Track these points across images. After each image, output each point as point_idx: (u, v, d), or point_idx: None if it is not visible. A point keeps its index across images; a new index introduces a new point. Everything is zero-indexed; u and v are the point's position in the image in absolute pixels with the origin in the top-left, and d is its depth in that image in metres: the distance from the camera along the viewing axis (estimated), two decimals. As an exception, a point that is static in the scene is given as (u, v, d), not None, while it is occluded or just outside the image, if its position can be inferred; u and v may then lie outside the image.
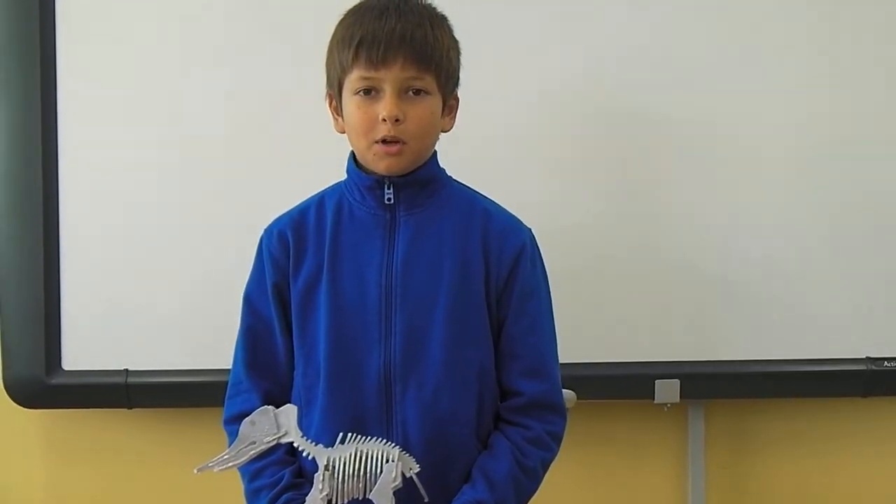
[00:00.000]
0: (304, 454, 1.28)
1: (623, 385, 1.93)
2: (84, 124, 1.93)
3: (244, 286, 1.46)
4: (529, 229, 1.46)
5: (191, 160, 1.93)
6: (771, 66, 1.91)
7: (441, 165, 1.45)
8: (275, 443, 1.28)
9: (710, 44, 1.91)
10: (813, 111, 1.92)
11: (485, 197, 1.47)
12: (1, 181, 1.92)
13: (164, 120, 1.92)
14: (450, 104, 1.42)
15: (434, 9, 1.40)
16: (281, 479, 1.37)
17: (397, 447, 1.27)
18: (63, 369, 1.94)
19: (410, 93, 1.35)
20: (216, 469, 1.28)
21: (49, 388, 1.93)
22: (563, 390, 1.47)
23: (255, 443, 1.28)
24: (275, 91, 1.90)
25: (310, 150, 1.81)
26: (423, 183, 1.41)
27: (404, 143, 1.35)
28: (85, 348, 1.94)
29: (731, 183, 1.92)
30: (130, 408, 1.95)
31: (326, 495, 1.25)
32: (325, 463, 1.26)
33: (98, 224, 1.93)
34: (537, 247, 1.45)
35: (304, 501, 1.28)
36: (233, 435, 1.36)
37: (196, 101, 1.92)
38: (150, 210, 1.93)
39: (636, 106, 1.92)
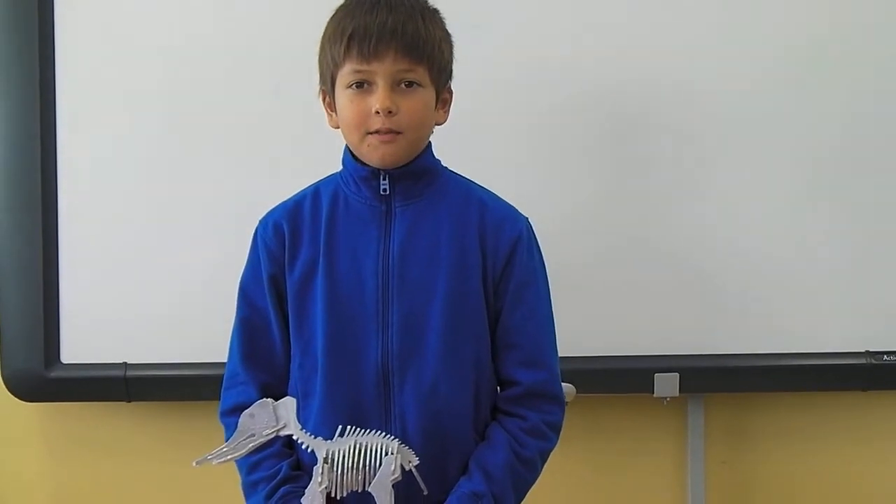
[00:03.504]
0: (304, 446, 1.28)
1: (622, 379, 1.93)
2: (82, 119, 1.93)
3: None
4: (526, 218, 1.45)
5: (188, 154, 1.93)
6: (770, 61, 1.91)
7: (436, 157, 1.44)
8: (274, 435, 1.28)
9: (709, 40, 1.91)
10: (813, 107, 1.92)
11: (480, 186, 1.46)
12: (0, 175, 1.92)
13: (162, 114, 1.93)
14: (443, 97, 1.42)
15: (426, 2, 1.40)
16: (279, 471, 1.37)
17: (396, 440, 1.27)
18: (62, 363, 1.94)
19: (403, 85, 1.35)
20: (215, 462, 1.28)
21: (48, 381, 1.93)
22: (563, 384, 1.46)
23: (254, 435, 1.28)
24: (273, 88, 1.90)
25: (307, 146, 1.81)
26: (419, 174, 1.40)
27: (398, 133, 1.34)
28: (84, 342, 1.94)
29: (732, 177, 1.92)
30: (129, 401, 1.96)
31: (326, 488, 1.25)
32: (325, 455, 1.26)
33: (97, 218, 1.94)
34: (534, 236, 1.45)
35: (302, 493, 1.28)
36: (229, 427, 1.37)
37: (194, 94, 1.92)
38: (149, 203, 1.93)
39: (637, 100, 1.91)
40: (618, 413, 2.05)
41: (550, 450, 1.42)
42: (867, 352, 1.93)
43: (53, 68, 1.92)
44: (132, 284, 1.93)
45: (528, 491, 1.41)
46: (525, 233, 1.43)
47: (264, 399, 1.30)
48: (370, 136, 1.35)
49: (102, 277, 1.93)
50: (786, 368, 1.93)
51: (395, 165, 1.38)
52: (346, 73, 1.35)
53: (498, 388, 1.44)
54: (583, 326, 1.88)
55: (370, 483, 1.25)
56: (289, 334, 1.42)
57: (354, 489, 1.26)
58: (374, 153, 1.36)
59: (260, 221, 1.46)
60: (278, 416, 1.28)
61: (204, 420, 1.81)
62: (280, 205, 1.46)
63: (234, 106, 1.92)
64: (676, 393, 1.93)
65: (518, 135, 1.91)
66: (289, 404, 1.29)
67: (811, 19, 1.91)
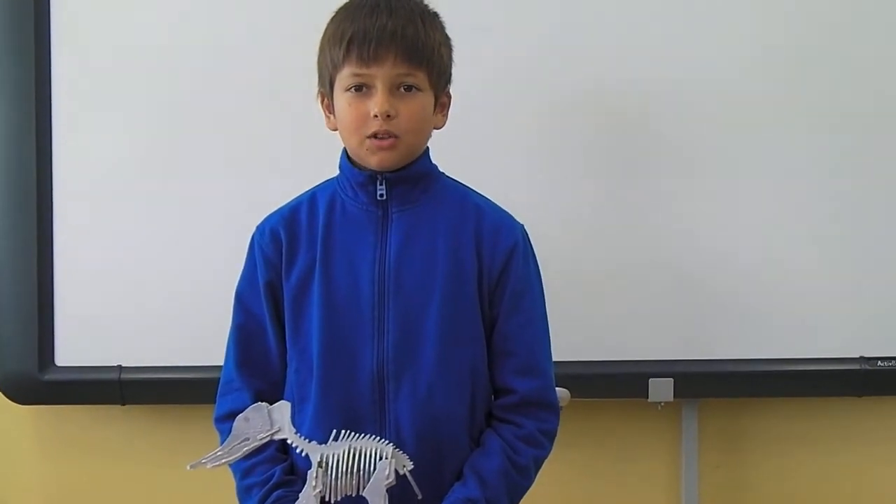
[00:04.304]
0: (298, 451, 1.28)
1: (617, 383, 1.93)
2: (78, 119, 1.93)
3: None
4: (522, 225, 1.45)
5: (184, 158, 1.93)
6: (766, 65, 1.91)
7: (433, 162, 1.44)
8: (268, 439, 1.28)
9: (707, 43, 1.91)
10: (812, 111, 1.92)
11: (477, 193, 1.47)
12: (-5, 177, 1.92)
13: (157, 117, 1.92)
14: (442, 101, 1.43)
15: (425, 6, 1.40)
16: (272, 476, 1.37)
17: (391, 444, 1.27)
18: (56, 365, 1.93)
19: (402, 89, 1.35)
20: (209, 466, 1.28)
21: (42, 384, 1.93)
22: (557, 388, 1.46)
23: (248, 439, 1.28)
24: (270, 89, 1.90)
25: (304, 149, 1.81)
26: (416, 179, 1.41)
27: (397, 138, 1.35)
28: (78, 344, 1.93)
29: (727, 182, 1.92)
30: (124, 404, 1.95)
31: (320, 492, 1.25)
32: (319, 460, 1.26)
33: (91, 220, 1.93)
34: (530, 243, 1.45)
35: (296, 498, 1.28)
36: (224, 433, 1.36)
37: (191, 95, 1.92)
38: (144, 206, 1.93)
39: (633, 105, 1.91)
40: (612, 418, 2.04)
41: (545, 457, 1.42)
42: (862, 357, 1.93)
43: (49, 68, 1.91)
44: (127, 287, 1.92)
45: (521, 497, 1.41)
46: (521, 240, 1.43)
47: (259, 403, 1.30)
48: (368, 140, 1.35)
49: (97, 280, 1.93)
50: (780, 374, 1.93)
51: (393, 169, 1.38)
52: (345, 77, 1.35)
53: (493, 395, 1.44)
54: (577, 331, 1.87)
55: (364, 487, 1.25)
56: (284, 341, 1.42)
57: (349, 493, 1.26)
58: (373, 157, 1.36)
59: (256, 228, 1.46)
60: (273, 420, 1.28)
61: (198, 423, 1.80)
62: (276, 211, 1.46)
63: (231, 108, 1.91)
64: (671, 398, 1.93)
65: (515, 140, 1.91)
66: (283, 408, 1.29)
67: (812, 20, 1.91)
